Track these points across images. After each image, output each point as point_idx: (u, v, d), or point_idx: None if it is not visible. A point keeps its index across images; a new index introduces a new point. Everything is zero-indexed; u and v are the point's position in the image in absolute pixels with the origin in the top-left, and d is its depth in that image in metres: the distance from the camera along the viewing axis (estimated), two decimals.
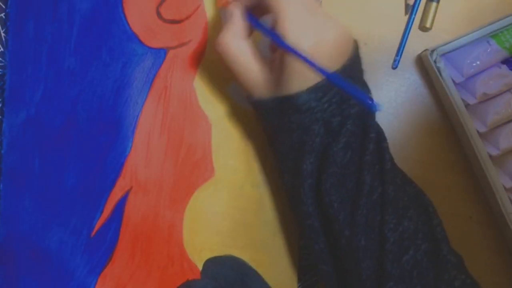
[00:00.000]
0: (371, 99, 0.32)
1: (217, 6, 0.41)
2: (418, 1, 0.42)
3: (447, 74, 0.40)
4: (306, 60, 0.31)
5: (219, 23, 0.42)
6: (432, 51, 0.41)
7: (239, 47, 0.35)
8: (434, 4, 0.42)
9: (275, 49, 0.35)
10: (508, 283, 0.41)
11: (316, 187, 0.34)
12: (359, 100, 0.32)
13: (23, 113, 0.42)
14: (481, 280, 0.34)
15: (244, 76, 0.35)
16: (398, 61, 0.42)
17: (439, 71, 0.40)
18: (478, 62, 0.40)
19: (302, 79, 0.32)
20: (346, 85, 0.32)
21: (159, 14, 0.42)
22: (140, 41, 0.42)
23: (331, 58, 0.32)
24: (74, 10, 0.42)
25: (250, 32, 0.36)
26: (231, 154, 0.42)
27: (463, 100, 0.40)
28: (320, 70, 0.31)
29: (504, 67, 0.41)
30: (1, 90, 0.43)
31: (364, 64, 0.34)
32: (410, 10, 0.42)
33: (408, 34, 0.42)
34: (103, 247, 0.41)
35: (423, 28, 0.43)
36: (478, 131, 0.40)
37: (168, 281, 0.41)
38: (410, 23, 0.42)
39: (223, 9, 0.37)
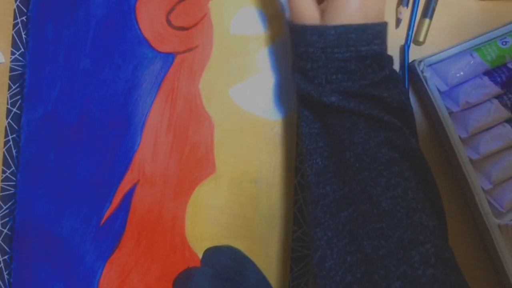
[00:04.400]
0: None
1: None
2: (413, 19, 0.45)
3: (433, 83, 0.42)
4: None
5: (223, 30, 0.45)
6: (420, 61, 0.43)
7: None
8: (427, 20, 0.45)
9: None
10: (485, 276, 0.43)
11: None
12: None
13: (41, 109, 0.45)
14: None
15: (294, 7, 0.37)
16: (401, 76, 0.45)
17: (425, 80, 0.42)
18: (461, 73, 0.42)
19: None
20: None
21: (168, 21, 0.44)
22: (150, 46, 0.44)
23: (374, 13, 0.35)
24: (90, 15, 0.45)
25: None
26: (231, 152, 0.44)
27: (447, 107, 0.42)
28: None
29: (486, 78, 0.43)
30: (20, 87, 0.45)
31: None
32: (400, 23, 0.46)
33: (408, 50, 0.45)
34: (111, 235, 0.44)
35: (416, 42, 0.45)
36: (460, 137, 0.42)
37: (171, 268, 0.43)
38: (409, 40, 0.45)
39: None
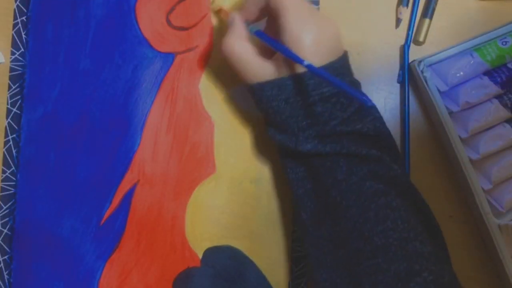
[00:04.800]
0: (364, 95, 0.33)
1: (221, 17, 0.44)
2: (413, 19, 0.45)
3: (433, 83, 0.43)
4: (305, 65, 0.33)
5: (223, 30, 0.45)
6: (420, 61, 0.43)
7: (242, 47, 0.37)
8: (427, 20, 0.45)
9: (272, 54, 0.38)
10: (484, 277, 0.44)
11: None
12: (352, 95, 0.33)
13: (41, 109, 0.45)
14: (460, 274, 0.37)
15: (247, 74, 0.37)
16: (402, 76, 0.45)
17: (425, 80, 0.43)
18: (461, 73, 0.43)
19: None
20: (339, 82, 0.33)
21: (168, 21, 0.45)
22: (150, 46, 0.44)
23: (330, 51, 0.35)
24: (90, 15, 0.45)
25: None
26: (231, 152, 0.44)
27: (447, 107, 0.43)
28: (319, 73, 0.33)
29: (486, 78, 0.43)
30: (20, 87, 0.46)
31: (358, 73, 0.38)
32: (400, 23, 0.46)
33: (408, 50, 0.45)
34: (111, 235, 0.44)
35: (416, 42, 0.46)
36: (460, 137, 0.42)
37: (170, 268, 0.43)
38: (409, 40, 0.45)
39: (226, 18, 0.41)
